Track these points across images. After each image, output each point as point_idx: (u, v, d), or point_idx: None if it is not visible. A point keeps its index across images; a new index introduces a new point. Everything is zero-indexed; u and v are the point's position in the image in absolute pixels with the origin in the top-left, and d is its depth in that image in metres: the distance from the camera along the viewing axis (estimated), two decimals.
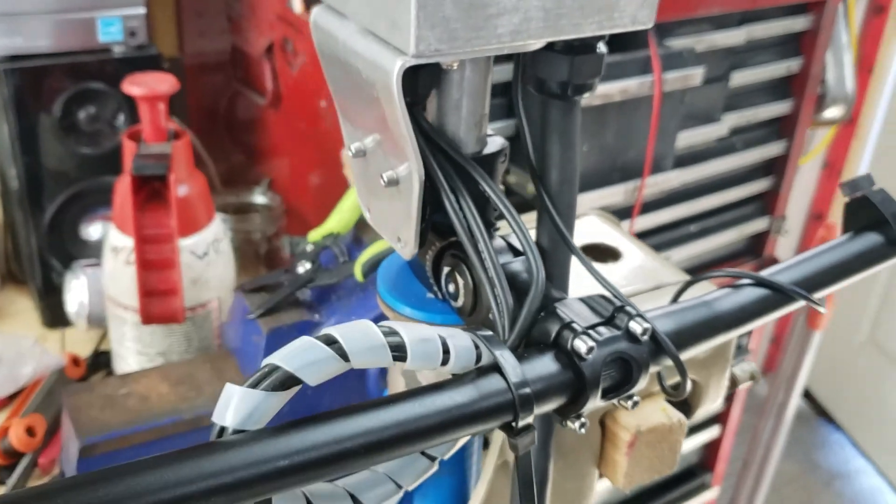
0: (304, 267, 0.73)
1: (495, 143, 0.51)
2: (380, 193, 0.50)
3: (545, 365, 0.42)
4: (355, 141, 0.50)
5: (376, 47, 0.42)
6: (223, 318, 0.87)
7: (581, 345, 0.41)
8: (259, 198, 1.09)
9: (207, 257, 0.84)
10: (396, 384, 0.58)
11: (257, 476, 0.35)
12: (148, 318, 0.80)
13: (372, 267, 0.70)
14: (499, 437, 0.57)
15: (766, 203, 1.53)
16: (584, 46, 0.46)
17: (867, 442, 2.53)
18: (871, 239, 0.53)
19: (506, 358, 0.41)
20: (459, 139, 0.49)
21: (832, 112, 1.53)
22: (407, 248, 0.49)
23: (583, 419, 0.43)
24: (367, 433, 0.37)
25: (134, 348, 0.88)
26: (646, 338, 0.43)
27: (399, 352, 0.39)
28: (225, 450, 0.35)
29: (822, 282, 0.51)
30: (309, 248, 0.74)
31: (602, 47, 0.47)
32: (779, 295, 0.49)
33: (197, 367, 0.75)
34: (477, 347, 0.41)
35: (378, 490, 0.41)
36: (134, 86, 0.80)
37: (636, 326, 0.43)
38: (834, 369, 2.54)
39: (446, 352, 0.40)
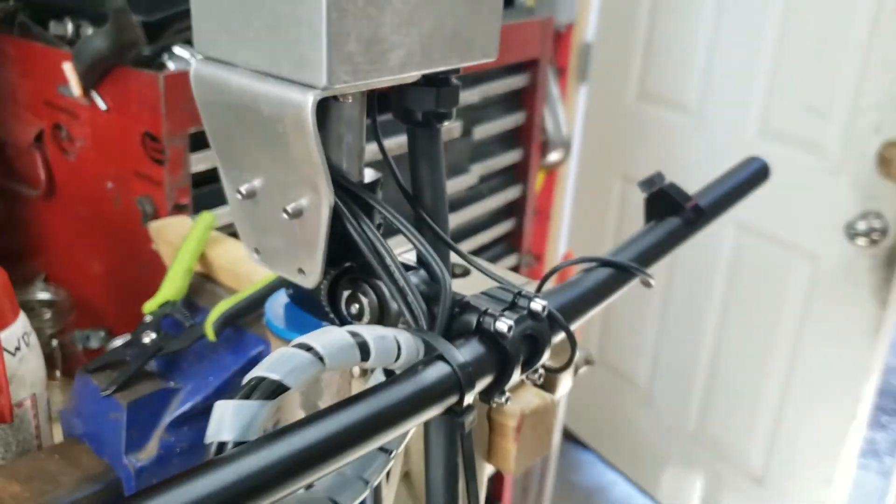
0: (149, 336, 0.71)
1: (370, 174, 0.56)
2: (274, 230, 0.53)
3: (474, 348, 0.48)
4: (243, 184, 0.52)
5: (279, 87, 0.47)
6: (40, 416, 0.82)
7: (503, 325, 0.48)
8: (41, 294, 1.03)
9: (20, 352, 0.79)
10: (293, 413, 0.60)
11: (273, 478, 0.37)
12: None
13: (224, 323, 0.71)
14: (400, 454, 0.61)
15: (513, 241, 1.70)
16: (444, 80, 0.53)
17: (612, 456, 2.80)
18: (672, 222, 0.65)
19: (445, 346, 0.46)
20: (344, 170, 0.54)
21: (554, 156, 1.75)
22: (312, 276, 0.52)
23: (507, 394, 0.49)
24: (356, 423, 0.40)
25: None
26: (544, 315, 0.50)
27: (364, 350, 0.42)
28: (237, 460, 0.36)
29: (648, 259, 0.62)
30: (148, 318, 0.73)
31: (456, 81, 0.54)
32: (621, 272, 0.59)
33: (42, 460, 0.70)
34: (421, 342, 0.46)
35: (350, 490, 0.44)
36: None
37: (536, 306, 0.50)
38: (574, 393, 2.79)
39: (398, 347, 0.44)
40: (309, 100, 0.45)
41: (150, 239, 0.94)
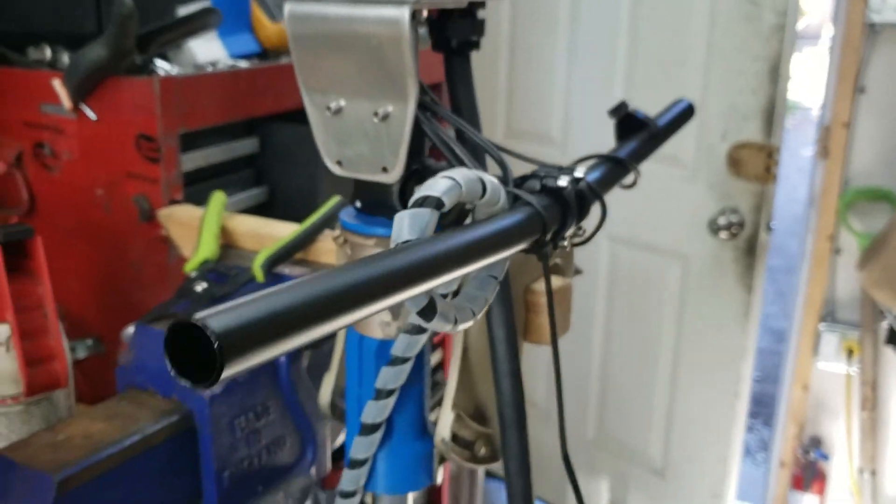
0: (200, 285, 0.79)
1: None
2: (359, 138, 0.64)
3: (543, 200, 0.61)
4: (331, 102, 0.64)
5: (375, 8, 0.59)
6: (71, 389, 0.87)
7: (563, 181, 0.61)
8: None
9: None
10: None
11: (443, 260, 0.48)
12: (32, 389, 0.78)
13: (271, 264, 0.80)
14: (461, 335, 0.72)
15: None
16: (472, 14, 0.68)
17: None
18: (642, 136, 0.81)
19: (528, 196, 0.59)
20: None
21: None
22: (394, 172, 0.64)
23: (566, 241, 0.63)
24: (477, 240, 0.52)
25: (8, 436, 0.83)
26: (583, 183, 0.64)
27: (483, 185, 0.55)
28: (418, 247, 0.48)
29: (635, 159, 0.78)
30: (193, 275, 0.81)
31: (482, 16, 0.69)
32: (620, 166, 0.74)
33: (114, 406, 0.75)
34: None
35: (476, 303, 0.56)
36: None
37: (579, 174, 0.64)
38: None
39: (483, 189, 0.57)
40: (405, 11, 0.58)
41: (144, 237, 1.02)
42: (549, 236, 0.59)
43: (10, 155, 1.06)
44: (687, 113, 0.88)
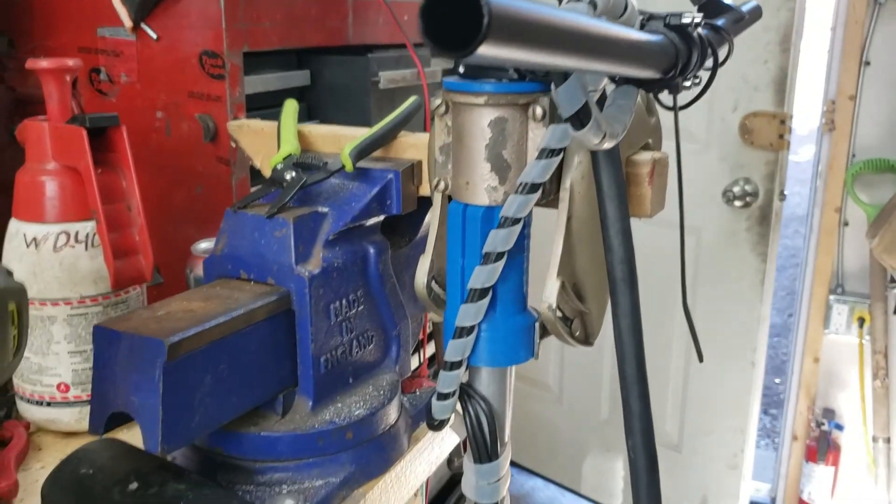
0: (290, 174, 0.79)
1: None
2: None
3: (671, 35, 0.61)
4: None
5: None
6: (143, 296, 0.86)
7: (687, 18, 0.62)
8: None
9: None
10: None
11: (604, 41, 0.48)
12: (119, 281, 0.76)
13: (360, 154, 0.80)
14: (566, 197, 0.72)
15: None
16: None
17: (531, 462, 2.92)
18: (727, 17, 0.82)
19: (661, 27, 0.59)
20: None
21: None
22: None
23: (692, 78, 0.63)
24: (626, 39, 0.52)
25: (66, 349, 0.81)
26: (706, 26, 0.65)
27: (625, 5, 0.56)
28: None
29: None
30: (279, 166, 0.81)
31: None
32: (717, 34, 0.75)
33: (207, 290, 0.74)
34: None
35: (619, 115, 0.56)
36: (42, 61, 0.79)
37: (697, 18, 0.65)
38: None
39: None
40: None
41: (207, 158, 1.01)
42: (678, 69, 0.59)
43: None
44: (756, 12, 0.89)
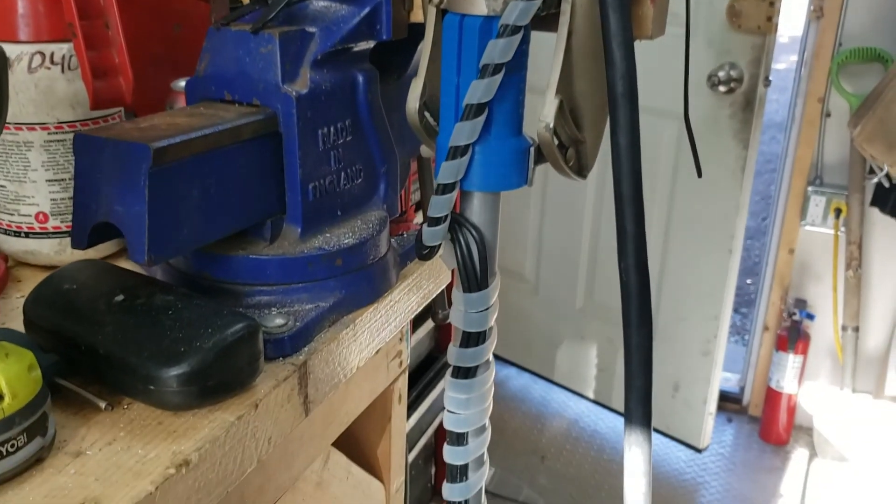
0: None
1: None
2: None
3: None
4: None
5: None
6: None
7: None
8: None
9: None
10: None
11: None
12: (98, 102, 0.73)
13: None
14: (567, 10, 0.69)
15: None
16: None
17: (505, 351, 2.96)
18: None
19: None
20: None
21: None
22: None
23: None
24: None
25: (44, 177, 0.78)
26: None
27: None
28: None
29: None
30: None
31: None
32: None
33: (190, 111, 0.71)
34: None
35: None
36: None
37: None
38: None
39: None
40: None
41: None
42: None
43: None
44: None
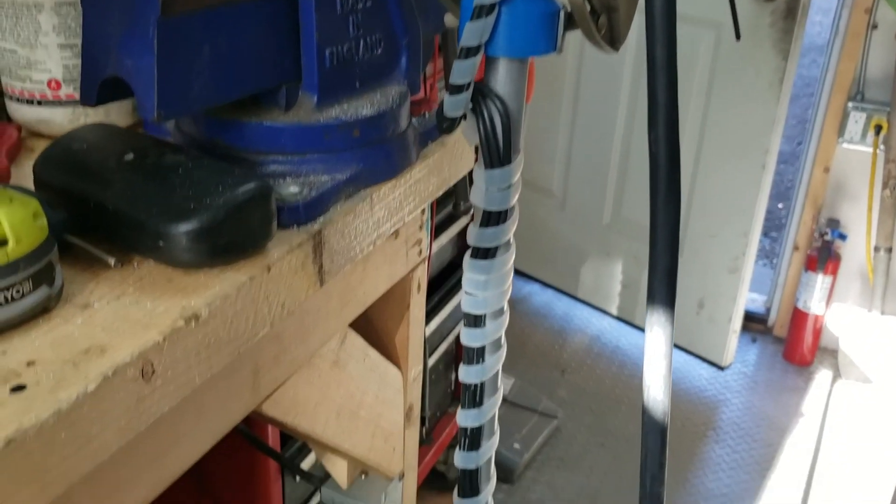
0: None
1: None
2: None
3: None
4: None
5: None
6: None
7: None
8: None
9: None
10: None
11: None
12: None
13: None
14: None
15: None
16: None
17: (529, 267, 2.94)
18: None
19: None
20: None
21: None
22: None
23: None
24: None
25: (56, 42, 0.76)
26: None
27: None
28: None
29: None
30: None
31: None
32: None
33: None
34: None
35: None
36: None
37: None
38: None
39: None
40: None
41: None
42: None
43: None
44: None
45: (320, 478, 1.13)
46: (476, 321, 0.72)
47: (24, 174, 0.74)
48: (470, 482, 0.77)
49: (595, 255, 2.72)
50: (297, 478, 1.27)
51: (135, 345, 0.50)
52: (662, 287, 0.66)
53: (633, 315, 2.68)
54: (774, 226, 3.78)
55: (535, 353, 2.63)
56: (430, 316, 1.74)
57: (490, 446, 0.77)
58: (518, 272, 2.99)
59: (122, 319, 0.52)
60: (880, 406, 2.42)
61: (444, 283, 1.84)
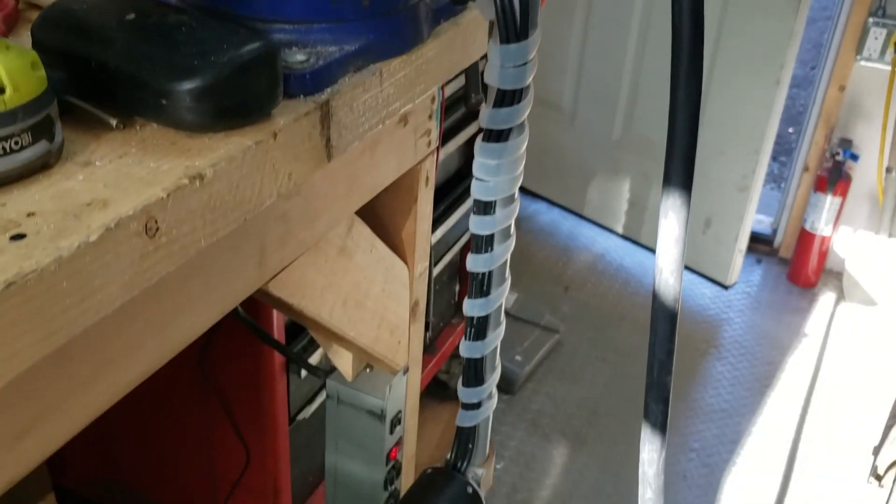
0: None
1: None
2: None
3: None
4: None
5: None
6: None
7: None
8: None
9: None
10: None
11: None
12: None
13: None
14: None
15: None
16: None
17: (536, 185, 2.91)
18: None
19: None
20: None
21: None
22: None
23: None
24: None
25: None
26: None
27: None
28: None
29: None
30: None
31: None
32: None
33: None
34: None
35: None
36: None
37: None
38: None
39: None
40: None
41: None
42: None
43: None
44: None
45: (325, 371, 1.14)
46: (486, 208, 0.70)
47: (21, 44, 0.72)
48: (475, 372, 0.77)
49: (603, 173, 2.69)
50: (303, 374, 1.27)
51: (138, 200, 0.48)
52: (679, 170, 0.64)
53: (639, 234, 2.67)
54: (784, 150, 3.74)
55: (540, 271, 2.62)
56: (435, 224, 1.72)
57: (496, 336, 0.76)
58: (524, 189, 2.96)
59: (125, 177, 0.51)
60: (884, 327, 2.43)
61: (450, 192, 1.82)
